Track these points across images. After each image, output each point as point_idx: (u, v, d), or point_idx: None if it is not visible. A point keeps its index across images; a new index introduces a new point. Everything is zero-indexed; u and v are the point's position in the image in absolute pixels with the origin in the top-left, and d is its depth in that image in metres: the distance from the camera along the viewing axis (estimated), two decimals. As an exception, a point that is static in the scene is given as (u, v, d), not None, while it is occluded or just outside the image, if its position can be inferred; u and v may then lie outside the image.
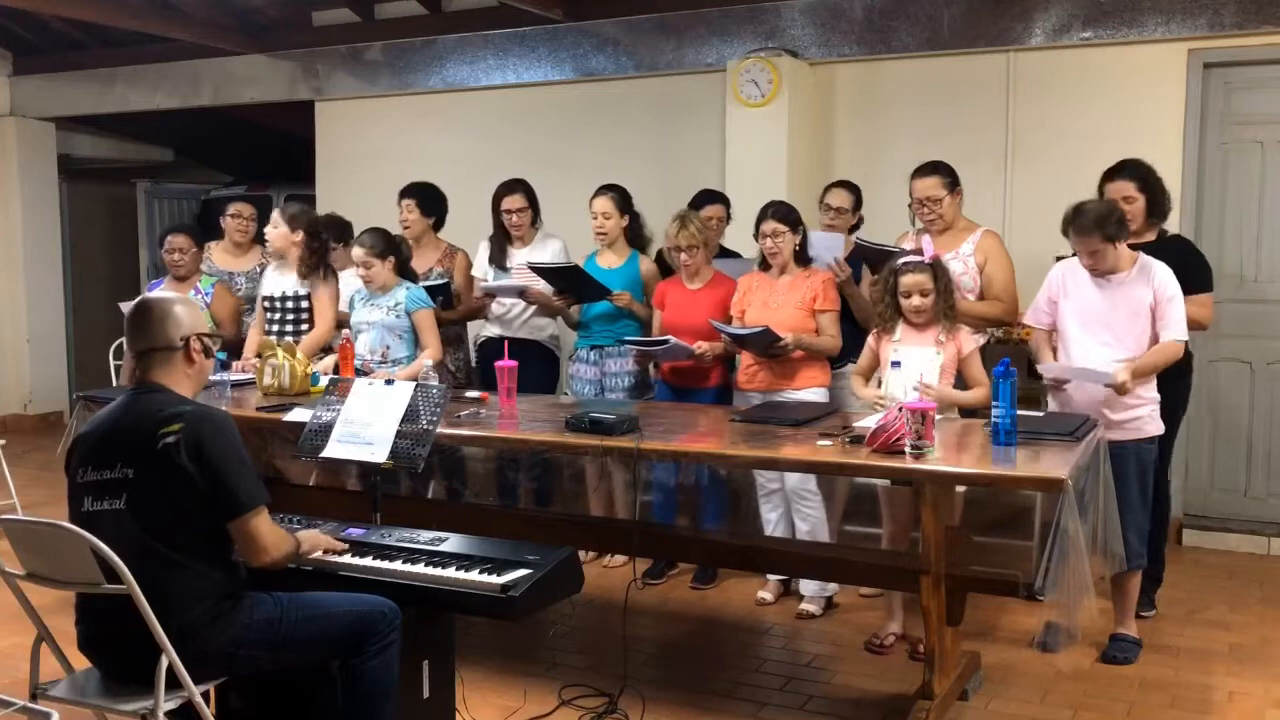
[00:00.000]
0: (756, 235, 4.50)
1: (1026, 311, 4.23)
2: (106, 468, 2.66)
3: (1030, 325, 4.19)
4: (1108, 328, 3.92)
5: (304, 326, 5.08)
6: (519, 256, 5.29)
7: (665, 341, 4.56)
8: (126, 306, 5.95)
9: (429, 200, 5.53)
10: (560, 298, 5.04)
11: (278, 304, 5.15)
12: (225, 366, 4.75)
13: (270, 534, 2.70)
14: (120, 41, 8.08)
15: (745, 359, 4.51)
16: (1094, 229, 3.84)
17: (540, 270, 4.98)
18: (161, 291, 5.46)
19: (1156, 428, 4.01)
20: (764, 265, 4.57)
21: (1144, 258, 3.98)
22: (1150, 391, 3.98)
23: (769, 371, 4.43)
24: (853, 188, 5.09)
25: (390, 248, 4.86)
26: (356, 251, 4.83)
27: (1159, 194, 4.32)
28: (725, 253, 5.24)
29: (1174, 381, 4.15)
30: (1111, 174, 4.38)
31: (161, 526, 2.61)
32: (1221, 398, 5.55)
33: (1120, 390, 3.80)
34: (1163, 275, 3.92)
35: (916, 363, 3.86)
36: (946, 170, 4.49)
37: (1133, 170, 4.33)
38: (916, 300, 3.88)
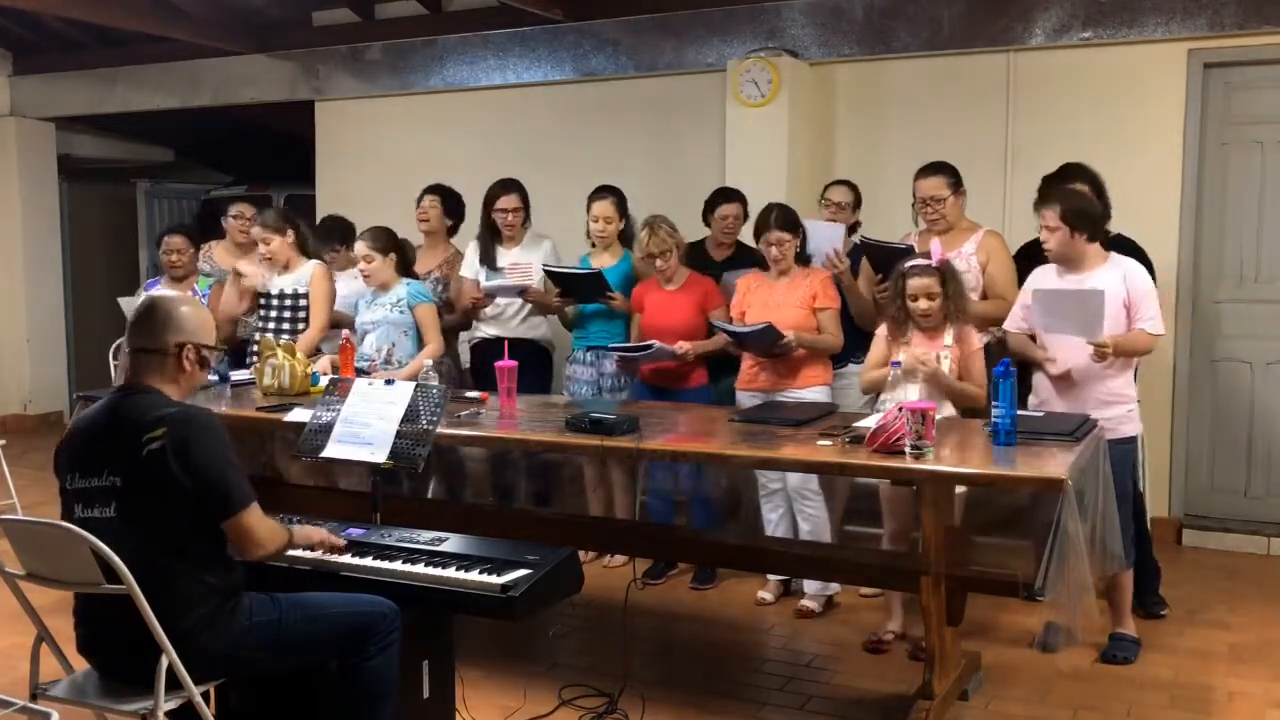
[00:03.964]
0: (758, 240, 4.50)
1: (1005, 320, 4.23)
2: (94, 475, 2.64)
3: (1009, 331, 4.18)
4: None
5: (301, 326, 5.09)
6: (510, 256, 5.29)
7: (649, 347, 4.57)
8: (125, 302, 5.97)
9: (452, 202, 5.60)
10: (561, 298, 5.05)
11: (273, 301, 5.14)
12: (225, 380, 4.74)
13: (263, 528, 2.69)
14: (120, 41, 8.08)
15: (746, 359, 4.51)
16: (1054, 202, 3.90)
17: (554, 274, 4.98)
18: (165, 290, 5.48)
19: (1134, 428, 4.00)
20: (762, 265, 4.57)
21: (1115, 255, 4.00)
22: (1129, 390, 3.99)
23: (770, 372, 4.43)
24: (853, 186, 5.10)
25: (392, 245, 4.88)
26: (358, 246, 4.85)
27: (1104, 196, 4.35)
28: (742, 249, 5.21)
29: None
30: (1060, 177, 4.47)
31: (154, 533, 2.59)
32: (1221, 398, 5.54)
33: (1099, 353, 3.77)
34: (1135, 272, 3.95)
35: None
36: (950, 171, 4.50)
37: (1080, 172, 4.43)
38: (923, 304, 3.88)
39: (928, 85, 5.93)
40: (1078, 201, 3.99)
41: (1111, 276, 3.92)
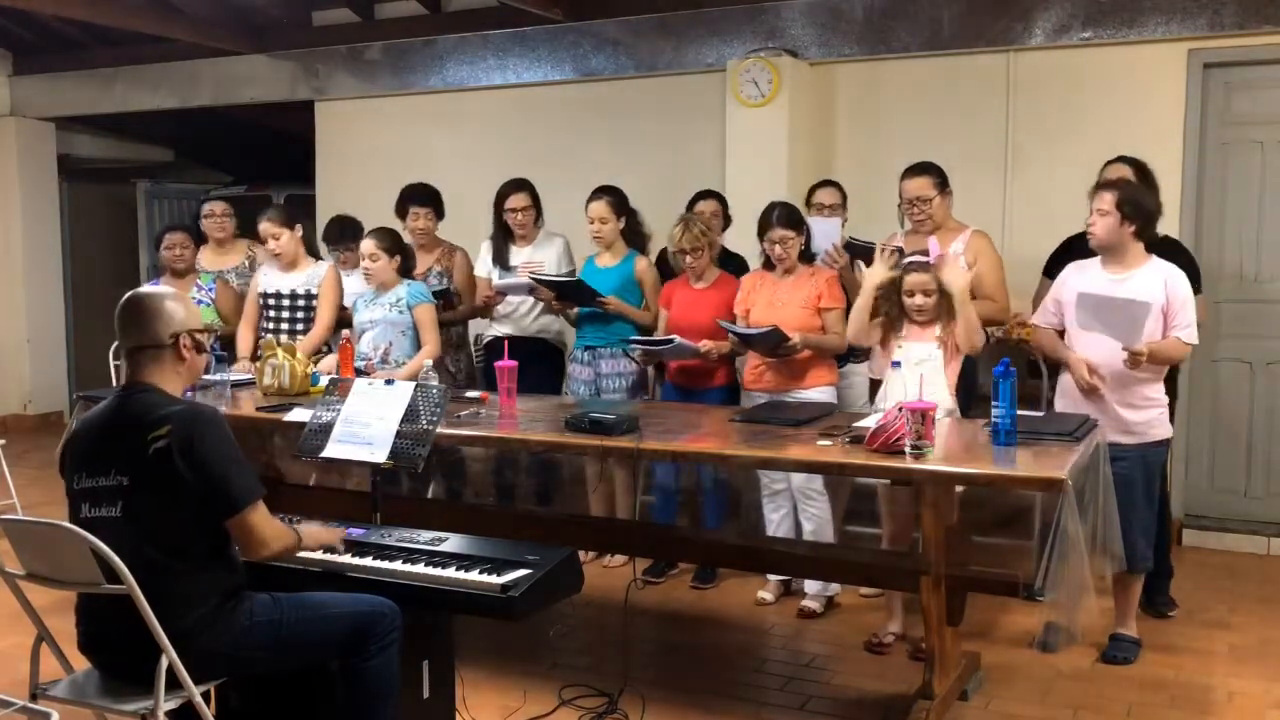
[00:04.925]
0: (761, 238, 4.49)
1: (1035, 313, 4.23)
2: (101, 474, 2.65)
3: (1038, 325, 4.18)
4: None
5: (308, 325, 5.10)
6: (523, 255, 5.29)
7: (670, 341, 4.56)
8: None
9: (439, 205, 5.55)
10: (559, 303, 5.06)
11: (285, 301, 5.15)
12: (223, 360, 4.76)
13: (268, 527, 2.69)
14: (120, 41, 8.08)
15: (751, 359, 4.51)
16: (1112, 189, 3.86)
17: (542, 281, 5.00)
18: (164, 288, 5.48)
19: (1165, 431, 3.99)
20: (767, 264, 4.57)
21: (1156, 258, 3.96)
22: (1159, 394, 3.97)
23: (776, 372, 4.43)
24: (839, 186, 5.10)
25: (398, 248, 4.88)
26: (366, 243, 4.84)
27: (1153, 191, 4.33)
28: (728, 255, 5.22)
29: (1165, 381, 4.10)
30: (1111, 161, 4.46)
31: (159, 532, 2.60)
32: (1221, 398, 5.55)
33: (1134, 360, 3.76)
34: (1176, 278, 3.90)
35: (917, 358, 3.88)
36: (936, 171, 4.49)
37: (1129, 160, 4.43)
38: (919, 300, 3.90)
39: (928, 85, 5.93)
40: (1137, 193, 3.94)
41: (1153, 279, 3.89)
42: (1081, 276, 4.02)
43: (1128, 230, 3.88)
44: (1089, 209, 3.97)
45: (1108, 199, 3.88)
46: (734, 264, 5.14)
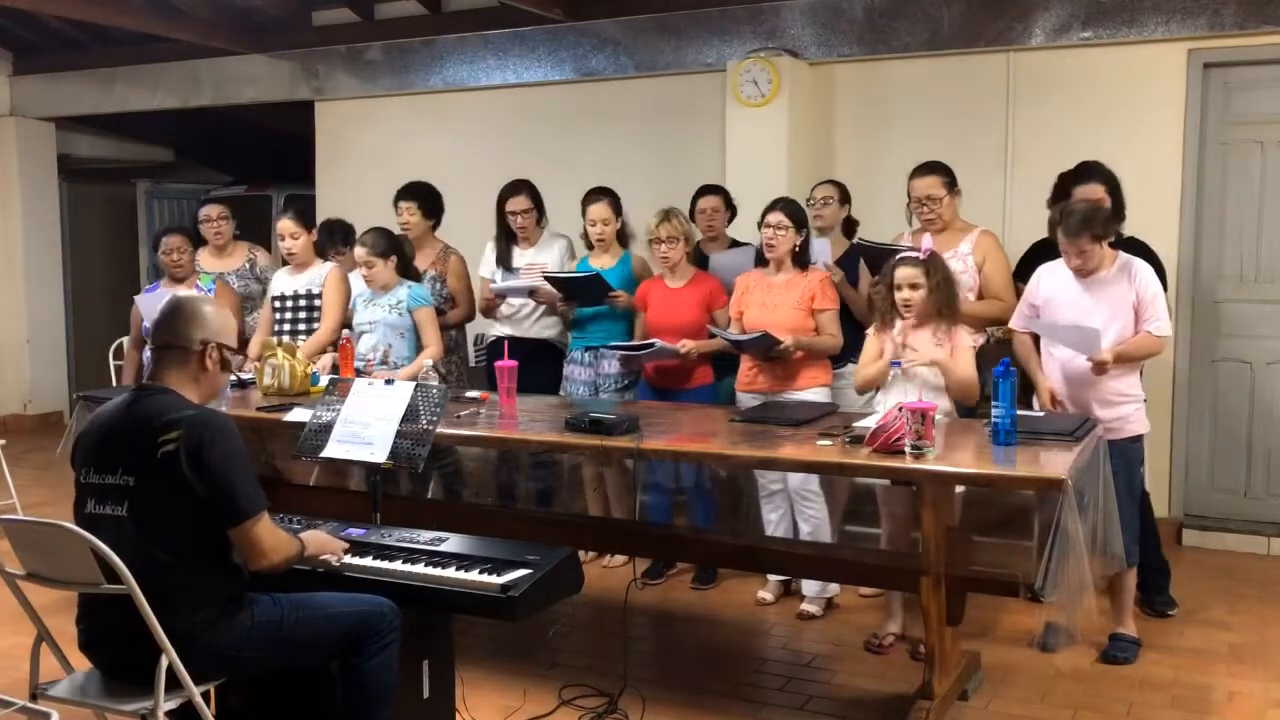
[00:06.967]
0: (760, 225, 4.49)
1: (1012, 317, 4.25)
2: (108, 472, 2.65)
3: (1015, 329, 4.19)
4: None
5: (314, 325, 5.10)
6: (526, 257, 5.29)
7: (651, 345, 4.57)
8: (142, 300, 5.87)
9: (430, 201, 5.52)
10: (564, 303, 5.06)
11: (288, 303, 5.16)
12: (243, 386, 4.76)
13: (270, 538, 2.69)
14: (120, 41, 8.08)
15: (745, 361, 4.51)
16: (1083, 229, 3.85)
17: (554, 280, 5.00)
18: (166, 291, 5.48)
19: (1141, 426, 4.02)
20: (761, 261, 4.57)
21: (1124, 256, 3.99)
22: (1135, 389, 3.99)
23: (769, 374, 4.43)
24: (838, 184, 5.09)
25: (392, 247, 4.88)
26: (359, 251, 4.85)
27: (1119, 196, 4.35)
28: (735, 245, 5.22)
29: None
30: (1078, 177, 4.43)
31: (163, 533, 2.60)
32: (1221, 398, 5.54)
33: (1098, 369, 3.80)
34: (1144, 273, 3.94)
35: (925, 350, 3.89)
36: (945, 170, 4.50)
37: (1098, 172, 4.41)
38: (906, 293, 3.89)
39: (928, 85, 5.93)
40: (1098, 216, 3.93)
41: (1120, 277, 3.93)
42: (1053, 278, 4.05)
43: (1105, 246, 3.90)
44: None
45: (1085, 241, 3.85)
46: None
